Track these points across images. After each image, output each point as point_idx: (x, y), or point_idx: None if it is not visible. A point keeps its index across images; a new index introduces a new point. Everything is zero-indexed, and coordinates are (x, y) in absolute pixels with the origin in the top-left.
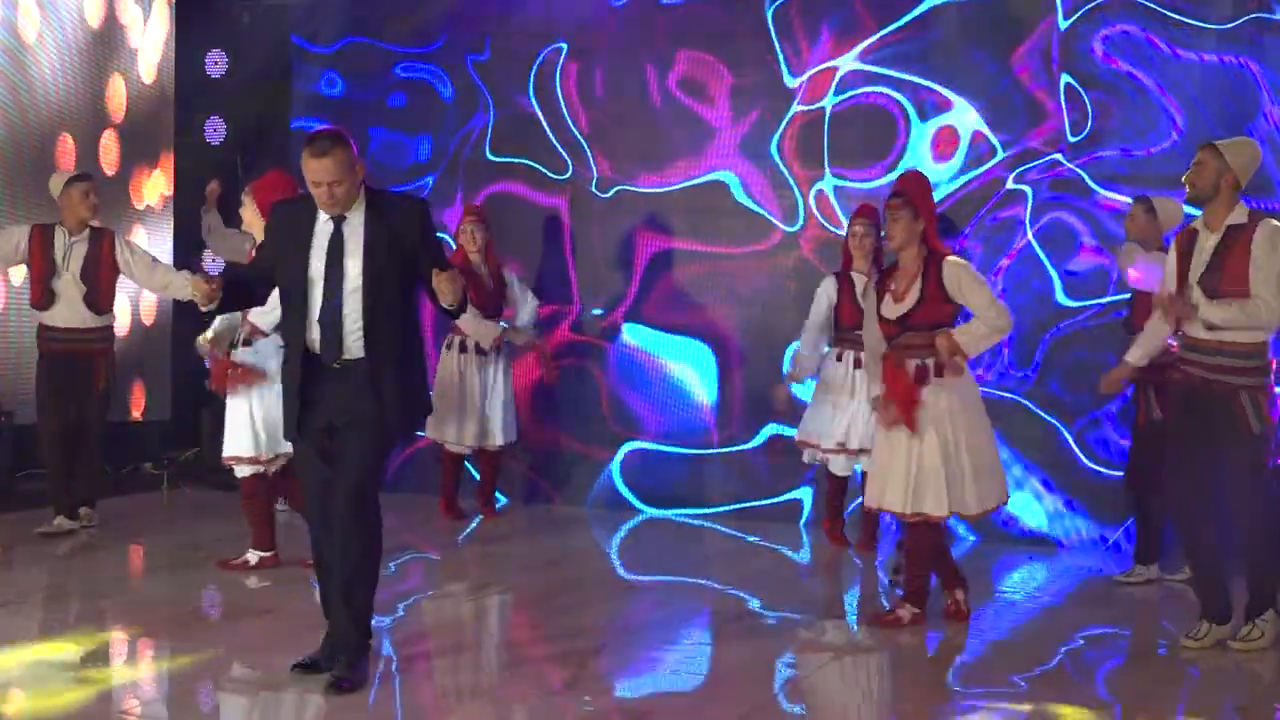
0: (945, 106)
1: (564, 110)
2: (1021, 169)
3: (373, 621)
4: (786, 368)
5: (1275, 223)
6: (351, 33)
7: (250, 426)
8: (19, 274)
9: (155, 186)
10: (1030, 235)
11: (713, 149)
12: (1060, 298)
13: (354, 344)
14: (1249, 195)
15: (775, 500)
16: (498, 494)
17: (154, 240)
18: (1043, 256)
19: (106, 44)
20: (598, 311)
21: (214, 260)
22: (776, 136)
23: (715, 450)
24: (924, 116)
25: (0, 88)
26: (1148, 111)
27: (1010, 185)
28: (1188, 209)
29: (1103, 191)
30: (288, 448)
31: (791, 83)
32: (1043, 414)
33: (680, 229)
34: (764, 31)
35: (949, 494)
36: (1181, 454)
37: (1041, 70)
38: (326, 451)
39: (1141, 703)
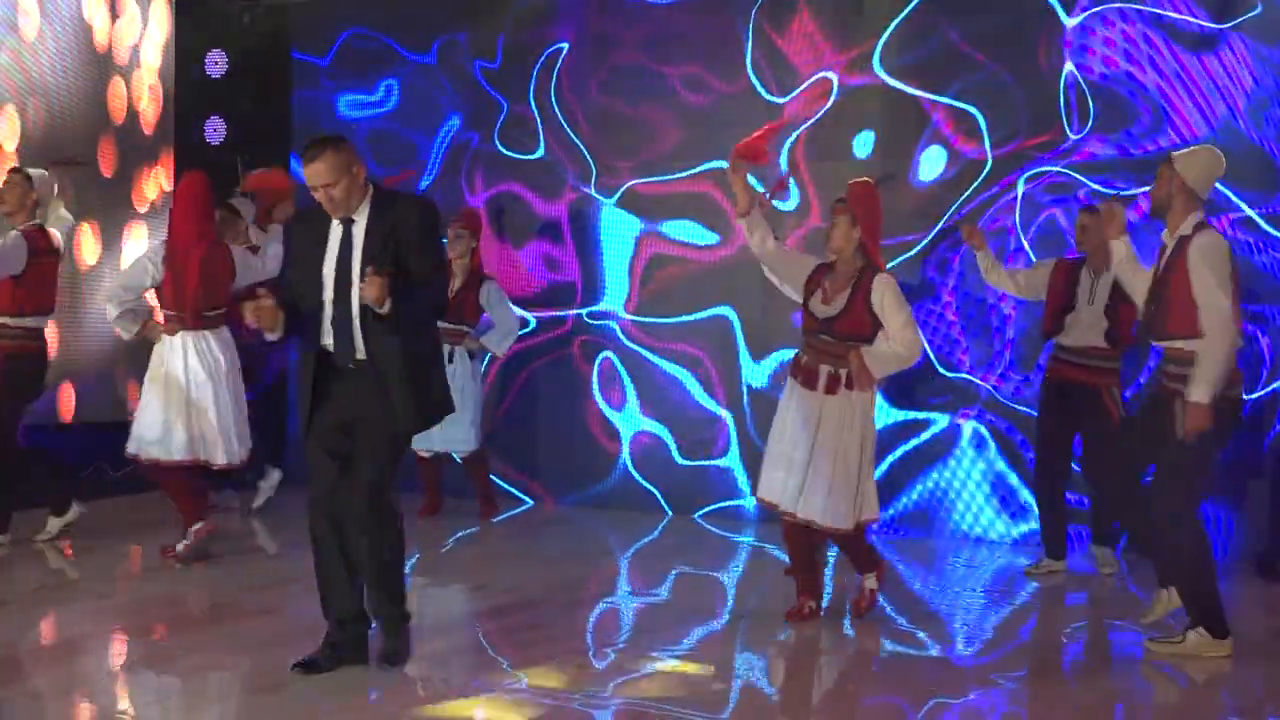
0: (945, 108)
1: (564, 110)
2: (1019, 169)
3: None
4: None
5: (1207, 237)
6: (352, 32)
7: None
8: None
9: (155, 186)
10: (1023, 239)
11: (714, 148)
12: None
13: (363, 345)
14: (1254, 196)
15: None
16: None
17: (154, 240)
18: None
19: (106, 44)
20: (597, 310)
21: None
22: (788, 140)
23: (714, 450)
24: (927, 117)
25: (0, 87)
26: (1147, 109)
27: (1005, 184)
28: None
29: (1094, 186)
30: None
31: (792, 84)
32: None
33: (680, 228)
34: (763, 30)
35: (801, 495)
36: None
37: (1041, 70)
38: (336, 450)
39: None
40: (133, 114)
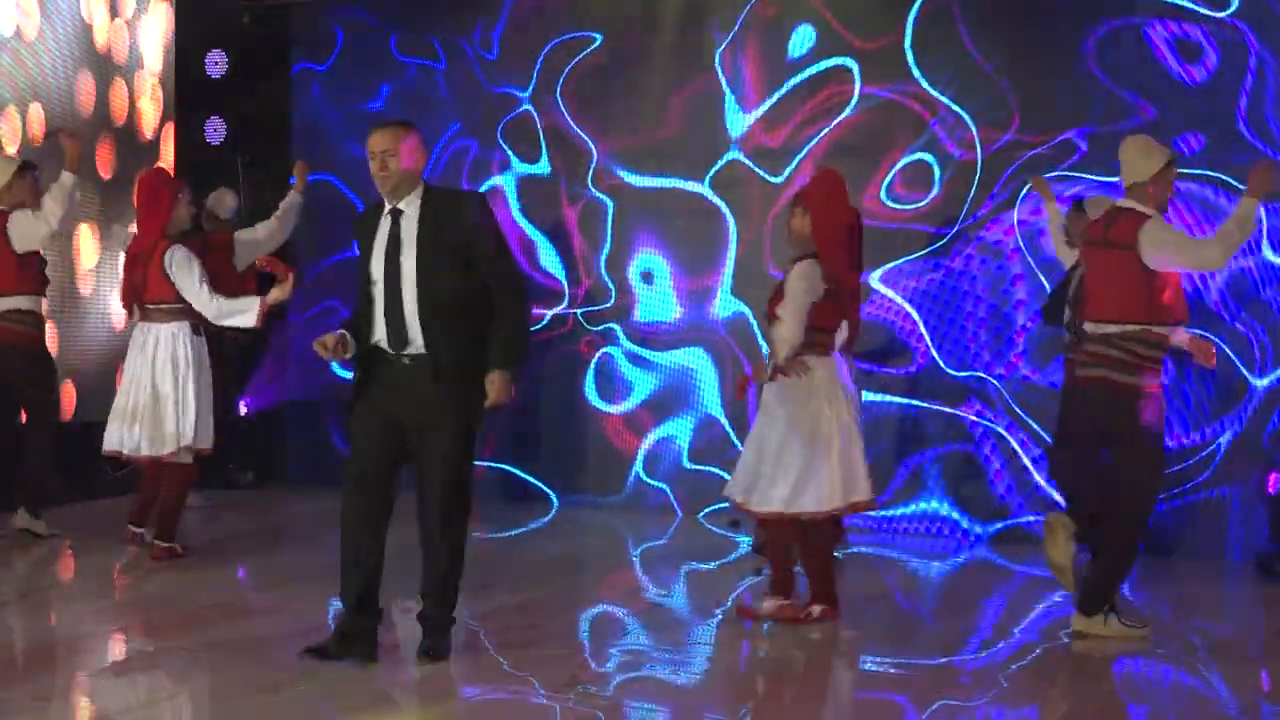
0: (944, 108)
1: (565, 109)
2: (1020, 171)
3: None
4: None
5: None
6: (352, 32)
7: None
8: None
9: None
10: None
11: (715, 148)
12: None
13: (417, 337)
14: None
15: None
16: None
17: None
18: (1032, 261)
19: (106, 44)
20: (595, 309)
21: None
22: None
23: (714, 450)
24: (926, 118)
25: (1, 87)
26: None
27: (1007, 186)
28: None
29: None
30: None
31: (793, 86)
32: None
33: (679, 228)
34: (764, 32)
35: (758, 487)
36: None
37: (1042, 70)
38: (379, 435)
39: None
40: (133, 114)
